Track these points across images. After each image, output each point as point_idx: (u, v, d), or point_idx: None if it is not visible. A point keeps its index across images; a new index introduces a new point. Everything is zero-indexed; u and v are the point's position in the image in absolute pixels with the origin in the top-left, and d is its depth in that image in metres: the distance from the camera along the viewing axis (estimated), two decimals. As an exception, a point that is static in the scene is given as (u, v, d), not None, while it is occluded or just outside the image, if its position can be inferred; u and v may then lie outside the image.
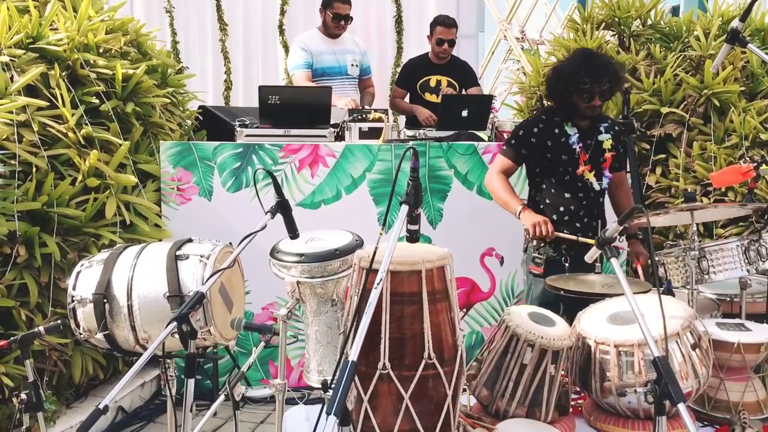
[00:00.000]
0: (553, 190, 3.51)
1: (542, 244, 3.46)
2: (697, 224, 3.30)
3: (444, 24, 5.36)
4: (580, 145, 3.45)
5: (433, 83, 5.40)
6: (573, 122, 3.48)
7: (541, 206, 3.52)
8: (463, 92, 5.45)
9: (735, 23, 2.91)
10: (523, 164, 3.61)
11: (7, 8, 3.57)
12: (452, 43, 5.38)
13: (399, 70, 5.78)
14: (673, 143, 4.92)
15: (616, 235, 2.39)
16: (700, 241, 3.34)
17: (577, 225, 3.46)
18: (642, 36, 5.49)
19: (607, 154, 3.50)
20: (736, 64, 4.95)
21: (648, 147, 4.92)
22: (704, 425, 2.83)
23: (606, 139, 3.50)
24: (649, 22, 5.57)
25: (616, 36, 5.62)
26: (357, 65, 5.40)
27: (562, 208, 3.49)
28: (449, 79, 5.44)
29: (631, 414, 2.64)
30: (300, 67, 5.23)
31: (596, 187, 3.50)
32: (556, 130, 3.47)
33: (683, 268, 3.47)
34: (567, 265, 3.39)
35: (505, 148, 3.57)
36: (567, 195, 3.48)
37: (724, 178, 3.85)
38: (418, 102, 5.39)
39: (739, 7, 5.45)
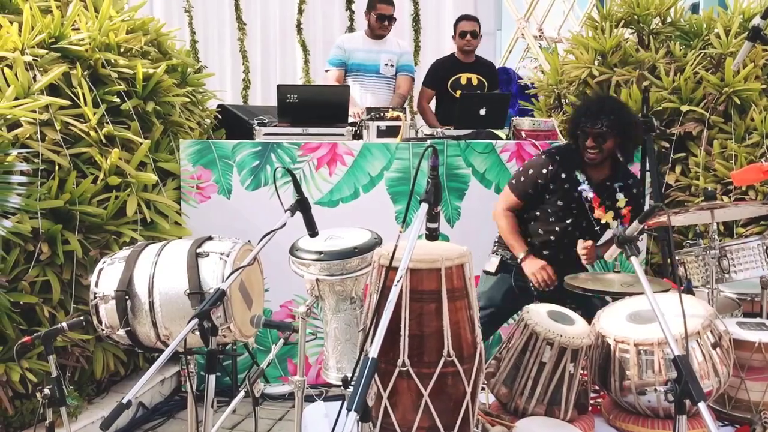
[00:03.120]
0: (549, 212, 3.48)
1: (497, 248, 3.65)
2: (718, 223, 3.27)
3: (467, 18, 5.56)
4: (592, 195, 3.41)
5: (464, 81, 5.47)
6: (585, 172, 3.43)
7: (531, 222, 3.52)
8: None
9: (756, 21, 2.88)
10: None
11: (30, 8, 3.60)
12: (474, 34, 5.48)
13: (426, 69, 5.84)
14: (693, 141, 4.89)
15: (636, 233, 2.38)
16: (720, 240, 3.32)
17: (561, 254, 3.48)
18: (662, 34, 5.45)
19: (624, 211, 3.43)
20: (758, 62, 4.90)
21: (668, 145, 4.89)
22: (724, 425, 2.82)
23: (621, 199, 3.44)
24: (669, 19, 5.53)
25: (635, 34, 5.58)
26: (392, 65, 5.47)
27: (553, 234, 3.49)
28: (478, 76, 5.50)
29: (651, 413, 2.64)
30: (331, 64, 5.36)
31: (612, 225, 3.45)
32: (563, 175, 3.43)
33: (703, 267, 3.44)
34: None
35: (513, 182, 3.55)
36: (569, 221, 3.46)
37: (744, 177, 3.82)
38: (447, 100, 5.46)
39: (760, 5, 5.39)
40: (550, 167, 3.44)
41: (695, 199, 4.68)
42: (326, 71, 5.44)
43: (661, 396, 2.50)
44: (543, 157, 3.52)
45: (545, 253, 3.48)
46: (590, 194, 3.40)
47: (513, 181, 3.56)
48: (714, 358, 2.61)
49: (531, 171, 3.48)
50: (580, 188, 3.41)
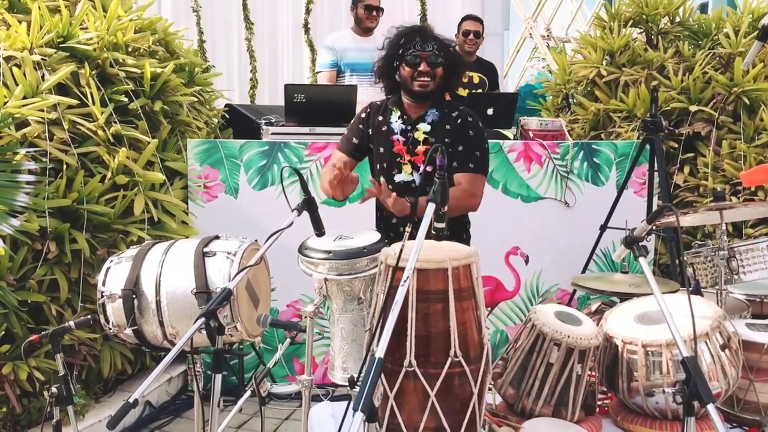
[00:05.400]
0: (377, 167, 3.11)
1: None
2: (726, 224, 3.25)
3: (471, 18, 5.52)
4: (398, 136, 3.01)
5: (465, 79, 5.42)
6: (400, 108, 3.04)
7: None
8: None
9: (766, 20, 2.87)
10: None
11: (39, 8, 3.62)
12: (477, 35, 5.43)
13: None
14: (702, 142, 4.87)
15: (645, 234, 2.37)
16: (729, 241, 3.30)
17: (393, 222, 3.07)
18: (670, 33, 5.44)
19: (420, 148, 2.96)
20: (767, 62, 4.88)
21: (676, 146, 4.87)
22: (733, 427, 2.80)
23: (423, 131, 2.97)
24: (678, 19, 5.52)
25: (644, 33, 5.57)
26: None
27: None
28: (479, 75, 5.47)
29: (659, 414, 2.62)
30: (324, 66, 5.28)
31: (397, 178, 3.02)
32: (380, 118, 3.08)
33: (712, 268, 3.43)
34: None
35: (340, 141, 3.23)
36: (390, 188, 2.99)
37: (754, 177, 3.81)
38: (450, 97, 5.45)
39: (770, 4, 5.37)
40: (369, 110, 3.13)
41: (704, 200, 4.66)
42: (317, 73, 5.36)
43: (670, 397, 2.50)
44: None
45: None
46: (397, 136, 3.01)
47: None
48: (723, 360, 2.59)
49: (353, 120, 3.19)
50: (392, 127, 3.02)
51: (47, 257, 3.29)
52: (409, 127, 3.01)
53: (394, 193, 2.84)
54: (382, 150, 3.07)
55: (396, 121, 3.03)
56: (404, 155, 3.00)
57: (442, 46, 2.96)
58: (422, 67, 2.91)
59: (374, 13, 5.23)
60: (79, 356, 3.39)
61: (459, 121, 2.98)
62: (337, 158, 3.18)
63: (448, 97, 3.09)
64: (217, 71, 5.28)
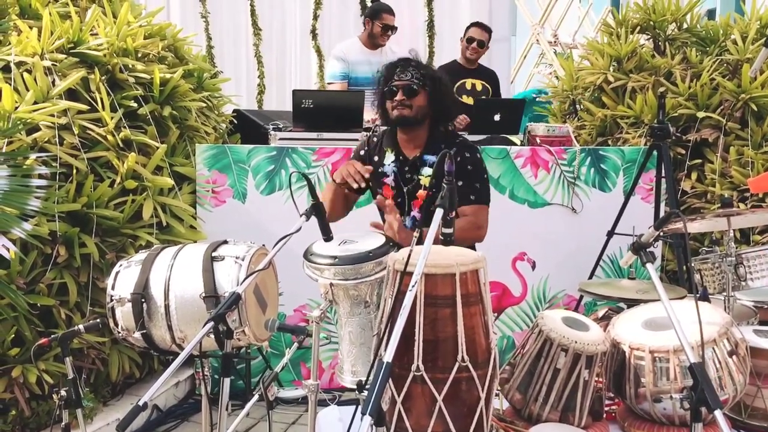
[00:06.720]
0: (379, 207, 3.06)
1: None
2: (734, 230, 3.25)
3: (479, 25, 5.52)
4: (393, 177, 3.02)
5: (468, 86, 5.44)
6: (395, 148, 3.04)
7: None
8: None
9: (774, 27, 2.87)
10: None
11: (50, 14, 3.65)
12: (481, 44, 5.44)
13: None
14: (710, 148, 4.86)
15: (652, 240, 2.38)
16: (736, 248, 3.30)
17: None
18: (678, 40, 5.44)
19: (421, 192, 2.95)
20: (775, 68, 4.88)
21: (683, 152, 4.87)
22: (740, 433, 2.80)
23: (426, 175, 2.95)
24: (685, 25, 5.52)
25: (651, 40, 5.57)
26: None
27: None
28: (483, 82, 5.48)
29: (666, 420, 2.62)
30: (336, 77, 5.29)
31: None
32: (376, 158, 3.10)
33: (719, 274, 3.42)
34: None
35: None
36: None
37: (761, 184, 3.80)
38: None
39: (777, 11, 5.36)
40: (366, 148, 3.15)
41: (711, 206, 4.65)
42: (328, 84, 5.37)
43: (677, 403, 2.51)
44: (364, 138, 3.21)
45: None
46: (390, 179, 3.02)
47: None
48: (730, 366, 2.59)
49: (351, 157, 3.23)
50: (386, 170, 3.02)
51: (57, 261, 3.30)
52: (406, 168, 3.01)
53: (399, 216, 2.84)
54: (379, 190, 3.08)
55: (389, 164, 3.04)
56: (390, 200, 2.94)
57: (424, 76, 2.93)
58: (398, 96, 2.93)
59: (389, 32, 5.26)
60: (88, 360, 3.41)
61: (459, 159, 2.92)
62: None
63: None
64: (225, 77, 5.31)
